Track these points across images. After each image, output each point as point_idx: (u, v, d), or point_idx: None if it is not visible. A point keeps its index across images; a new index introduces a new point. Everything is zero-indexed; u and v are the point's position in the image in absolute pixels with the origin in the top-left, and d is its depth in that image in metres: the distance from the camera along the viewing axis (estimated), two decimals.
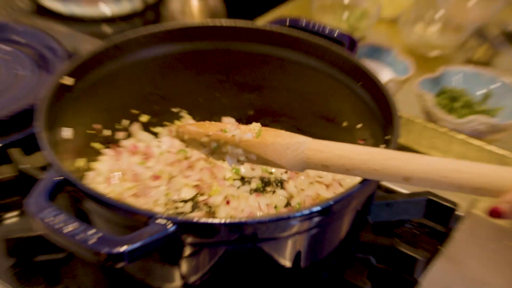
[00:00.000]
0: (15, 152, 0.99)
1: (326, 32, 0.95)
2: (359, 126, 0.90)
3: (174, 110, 1.01)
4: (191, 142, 0.79)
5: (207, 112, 1.01)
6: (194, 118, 1.02)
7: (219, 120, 1.01)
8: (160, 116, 1.01)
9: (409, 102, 1.23)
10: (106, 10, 1.53)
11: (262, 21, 1.36)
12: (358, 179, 0.88)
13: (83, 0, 1.51)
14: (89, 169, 0.92)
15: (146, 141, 0.98)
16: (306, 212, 0.65)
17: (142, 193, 0.88)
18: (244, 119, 1.02)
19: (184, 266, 0.69)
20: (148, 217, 0.63)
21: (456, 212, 0.96)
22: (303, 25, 0.96)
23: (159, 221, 0.63)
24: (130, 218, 0.65)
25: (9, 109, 1.04)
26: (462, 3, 1.53)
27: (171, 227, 0.62)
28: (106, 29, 1.52)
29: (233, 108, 1.03)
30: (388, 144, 0.77)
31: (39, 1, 1.56)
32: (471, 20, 1.47)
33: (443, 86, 1.18)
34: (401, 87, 1.19)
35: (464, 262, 0.91)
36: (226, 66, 0.98)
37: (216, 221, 0.63)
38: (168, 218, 0.63)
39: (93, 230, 0.61)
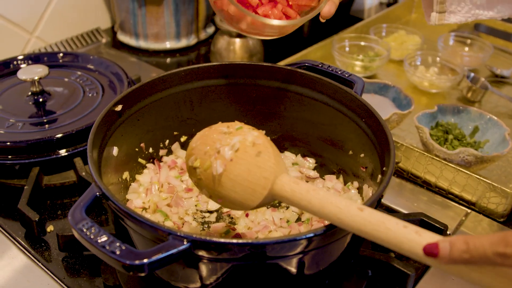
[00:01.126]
0: (77, 161, 0.94)
1: (339, 73, 0.87)
2: (362, 155, 0.82)
3: None
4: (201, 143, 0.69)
5: None
6: None
7: None
8: None
9: (410, 131, 1.14)
10: (167, 45, 1.47)
11: (289, 61, 1.30)
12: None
13: (150, 37, 1.46)
14: (134, 180, 0.86)
15: (183, 157, 0.92)
16: (309, 236, 0.58)
17: (175, 203, 0.82)
18: None
19: (201, 273, 0.62)
20: (167, 234, 0.57)
21: (447, 232, 0.88)
22: (321, 67, 0.89)
23: (176, 237, 0.56)
24: (153, 233, 0.59)
25: (76, 125, 0.99)
26: (458, 50, 1.44)
27: (186, 243, 0.56)
28: (167, 59, 1.46)
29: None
30: (384, 174, 0.69)
31: (116, 37, 1.52)
32: (464, 64, 1.38)
33: (438, 120, 1.09)
34: (403, 120, 1.09)
35: (449, 277, 0.82)
36: (253, 98, 0.91)
37: (224, 240, 0.56)
38: (183, 236, 0.56)
39: (118, 243, 0.55)
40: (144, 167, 0.88)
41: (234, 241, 0.56)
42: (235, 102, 0.91)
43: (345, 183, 0.87)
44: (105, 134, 0.75)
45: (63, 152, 0.95)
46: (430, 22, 0.80)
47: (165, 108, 0.87)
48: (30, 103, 1.06)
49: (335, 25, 1.55)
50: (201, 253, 0.57)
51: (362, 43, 1.42)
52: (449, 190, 0.98)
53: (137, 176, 0.86)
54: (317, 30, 1.58)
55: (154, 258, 0.54)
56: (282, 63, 1.24)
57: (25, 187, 0.89)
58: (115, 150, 0.78)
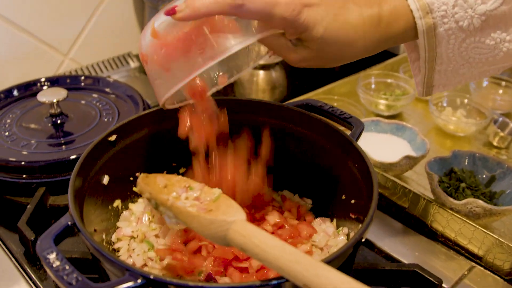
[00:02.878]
0: None
1: (340, 115, 0.87)
2: (352, 201, 0.81)
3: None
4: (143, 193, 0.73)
5: None
6: None
7: None
8: None
9: (425, 175, 1.11)
10: None
11: (309, 96, 1.30)
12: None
13: None
14: (127, 208, 0.88)
15: None
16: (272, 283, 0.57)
17: (162, 235, 0.83)
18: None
19: None
20: (124, 269, 0.58)
21: (444, 285, 0.85)
22: (322, 107, 0.89)
23: (132, 273, 0.57)
24: (112, 266, 0.60)
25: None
26: (490, 93, 1.40)
27: (140, 281, 0.57)
28: None
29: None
30: (362, 225, 0.68)
31: None
32: (496, 107, 1.34)
33: (453, 167, 1.05)
34: (416, 164, 1.07)
35: None
36: (253, 134, 0.91)
37: (178, 282, 0.57)
38: (138, 273, 0.57)
39: (77, 275, 0.57)
40: (139, 196, 0.90)
41: (191, 283, 0.57)
42: (236, 138, 0.92)
43: (337, 227, 0.86)
44: (95, 163, 0.78)
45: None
46: (419, 94, 0.78)
47: (164, 140, 0.89)
48: (49, 124, 1.11)
49: (367, 60, 1.54)
50: None
51: (389, 81, 1.41)
52: (456, 241, 0.94)
53: (131, 205, 0.88)
54: (349, 65, 1.57)
55: None
56: (293, 100, 1.24)
57: (28, 206, 0.93)
58: (105, 179, 0.81)
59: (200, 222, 0.64)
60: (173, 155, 0.92)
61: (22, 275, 0.87)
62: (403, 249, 0.95)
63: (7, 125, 1.10)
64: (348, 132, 0.84)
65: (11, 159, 0.99)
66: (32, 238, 0.87)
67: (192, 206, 0.68)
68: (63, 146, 1.06)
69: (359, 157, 0.77)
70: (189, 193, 0.71)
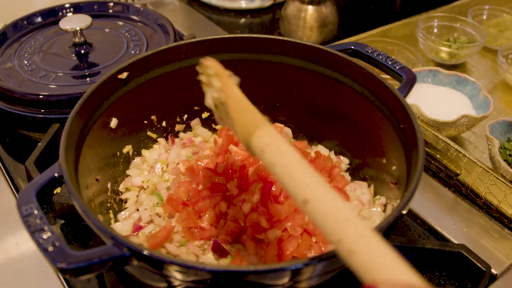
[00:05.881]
0: None
1: (389, 63, 0.74)
2: (393, 167, 0.68)
3: None
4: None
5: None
6: None
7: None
8: None
9: (484, 138, 0.97)
10: (238, 4, 1.38)
11: (361, 37, 1.16)
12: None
13: None
14: (140, 154, 0.79)
15: (204, 136, 0.83)
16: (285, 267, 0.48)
17: (173, 187, 0.74)
18: (301, 136, 0.85)
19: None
20: (109, 237, 0.49)
21: (493, 272, 0.73)
22: (369, 53, 0.76)
23: (116, 243, 0.48)
24: (98, 232, 0.51)
25: None
26: None
27: (125, 251, 0.48)
28: (237, 19, 1.37)
29: (289, 119, 0.85)
30: (402, 198, 0.56)
31: None
32: None
33: None
34: (475, 124, 0.92)
35: None
36: (287, 80, 0.80)
37: (164, 258, 0.47)
38: (125, 244, 0.48)
39: (54, 239, 0.49)
40: (154, 141, 0.80)
41: (178, 261, 0.47)
42: (267, 84, 0.81)
43: (374, 194, 0.74)
44: (101, 103, 0.69)
45: None
46: None
47: (185, 79, 0.78)
48: (72, 54, 1.02)
49: (432, 0, 1.37)
50: (142, 265, 0.49)
51: (455, 25, 1.23)
52: None
53: (144, 151, 0.79)
54: (411, 4, 1.41)
55: (81, 264, 0.47)
56: (338, 43, 1.10)
57: (39, 143, 0.86)
58: (113, 122, 0.71)
59: (239, 103, 0.57)
60: (196, 98, 0.81)
61: None
62: (450, 222, 0.82)
63: (27, 54, 1.01)
64: (397, 86, 0.71)
65: (28, 91, 0.91)
66: None
67: None
68: (87, 79, 0.97)
69: (406, 116, 0.64)
70: None
